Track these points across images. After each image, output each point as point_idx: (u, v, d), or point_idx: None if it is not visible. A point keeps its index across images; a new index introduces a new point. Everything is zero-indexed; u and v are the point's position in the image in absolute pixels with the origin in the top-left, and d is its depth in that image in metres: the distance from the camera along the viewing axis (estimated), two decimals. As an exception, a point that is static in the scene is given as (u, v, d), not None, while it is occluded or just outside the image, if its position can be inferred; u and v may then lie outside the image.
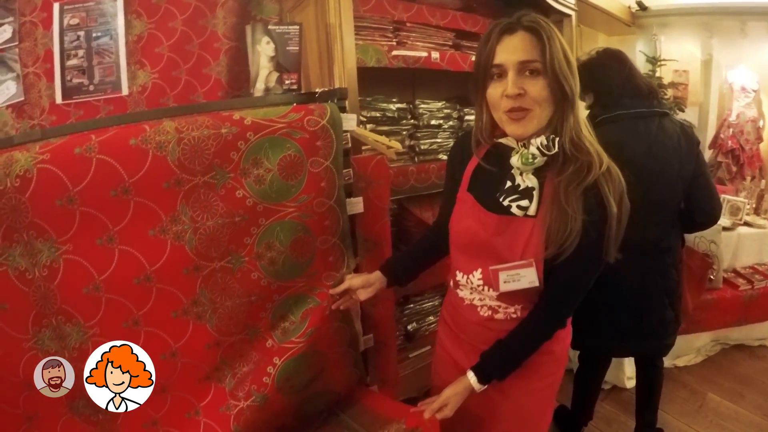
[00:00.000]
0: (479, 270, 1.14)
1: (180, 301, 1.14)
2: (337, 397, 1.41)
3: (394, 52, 1.78)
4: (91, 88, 1.69)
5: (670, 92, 3.65)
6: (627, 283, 1.74)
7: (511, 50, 1.00)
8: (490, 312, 1.17)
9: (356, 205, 1.34)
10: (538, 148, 1.03)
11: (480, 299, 1.18)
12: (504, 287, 1.09)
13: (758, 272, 2.90)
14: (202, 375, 1.21)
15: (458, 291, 1.23)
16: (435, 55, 1.90)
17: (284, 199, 1.18)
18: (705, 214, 1.76)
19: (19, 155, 1.03)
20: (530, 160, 1.04)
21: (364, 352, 1.47)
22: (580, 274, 1.09)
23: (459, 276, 1.20)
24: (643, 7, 3.73)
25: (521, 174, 1.07)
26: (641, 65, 3.73)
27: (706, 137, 4.12)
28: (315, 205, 1.21)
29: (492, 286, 1.12)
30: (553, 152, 1.03)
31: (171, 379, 1.19)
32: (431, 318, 2.22)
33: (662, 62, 3.70)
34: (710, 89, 4.08)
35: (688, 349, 2.80)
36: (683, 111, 3.71)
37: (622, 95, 1.72)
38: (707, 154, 4.14)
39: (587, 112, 1.86)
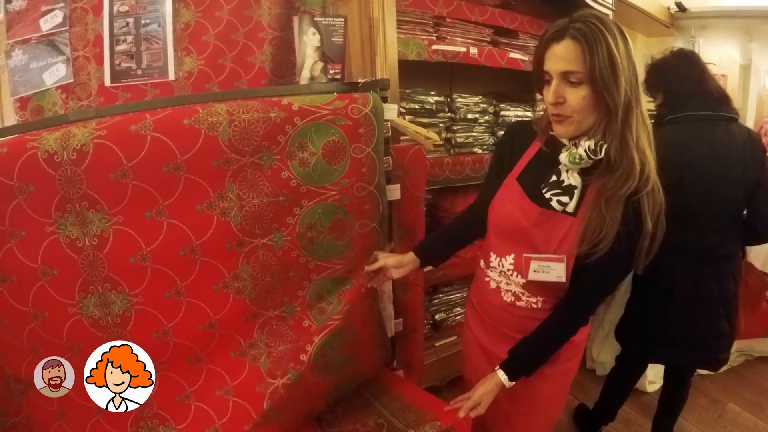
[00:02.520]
0: (512, 255, 1.19)
1: (222, 274, 1.20)
2: (365, 379, 1.45)
3: (434, 47, 1.83)
4: (139, 72, 1.75)
5: (706, 96, 3.58)
6: (681, 288, 1.72)
7: (555, 59, 1.02)
8: (512, 298, 1.22)
9: (394, 191, 1.38)
10: (585, 151, 1.05)
11: (506, 283, 1.22)
12: (532, 276, 1.14)
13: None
14: (238, 350, 1.27)
15: (488, 271, 1.28)
16: (473, 50, 1.94)
17: (327, 182, 1.22)
18: (766, 223, 1.71)
19: (77, 130, 1.09)
20: (577, 160, 1.06)
21: (392, 337, 1.51)
22: (607, 278, 1.14)
23: (492, 258, 1.25)
24: (682, 8, 3.67)
25: (567, 171, 1.10)
26: (678, 68, 3.68)
27: (743, 145, 4.03)
28: (356, 189, 1.26)
29: (521, 273, 1.17)
30: (599, 158, 1.04)
31: (207, 351, 1.24)
32: (459, 309, 2.26)
33: (700, 66, 3.64)
34: (748, 95, 3.99)
35: (711, 358, 2.77)
36: (719, 116, 3.63)
37: (691, 97, 1.69)
38: (741, 162, 4.05)
39: (649, 111, 1.85)
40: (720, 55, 3.90)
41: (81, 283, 1.16)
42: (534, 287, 1.18)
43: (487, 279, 1.28)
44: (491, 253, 1.25)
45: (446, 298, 2.24)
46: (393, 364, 1.53)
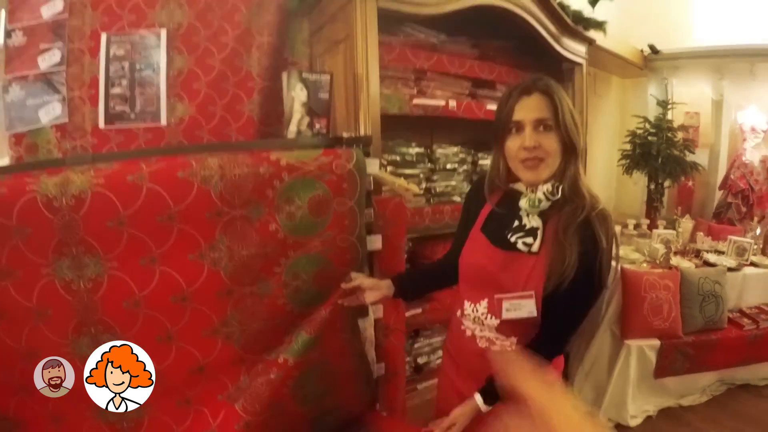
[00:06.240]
0: (485, 300, 1.26)
1: (211, 320, 1.25)
2: (349, 414, 1.48)
3: (415, 101, 1.91)
4: (133, 116, 1.81)
5: (680, 135, 3.72)
6: None
7: (528, 109, 1.16)
8: (487, 343, 1.27)
9: (375, 242, 1.43)
10: (544, 194, 1.18)
11: (480, 330, 1.28)
12: (506, 315, 1.21)
13: (764, 312, 2.92)
14: (225, 393, 1.30)
15: (463, 320, 1.33)
16: (452, 103, 2.03)
17: (311, 234, 1.28)
18: None
19: (75, 177, 1.14)
20: (536, 204, 1.18)
21: (375, 381, 1.54)
22: (577, 303, 1.20)
23: (466, 305, 1.31)
24: (654, 51, 3.84)
25: (528, 215, 1.21)
26: (652, 109, 3.82)
27: (717, 178, 4.17)
28: (338, 240, 1.32)
29: (495, 314, 1.24)
30: (557, 197, 1.17)
31: (195, 392, 1.28)
32: (440, 352, 2.23)
33: (672, 105, 3.78)
34: (721, 130, 4.16)
35: (693, 389, 2.82)
36: (693, 153, 3.76)
37: None
38: (717, 195, 4.20)
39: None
40: (692, 94, 4.07)
41: (75, 324, 1.19)
42: (507, 328, 1.24)
43: (463, 327, 1.33)
44: (465, 302, 1.32)
45: (427, 342, 2.27)
46: (376, 407, 1.57)
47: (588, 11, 2.55)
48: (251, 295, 1.27)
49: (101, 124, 1.81)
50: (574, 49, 2.43)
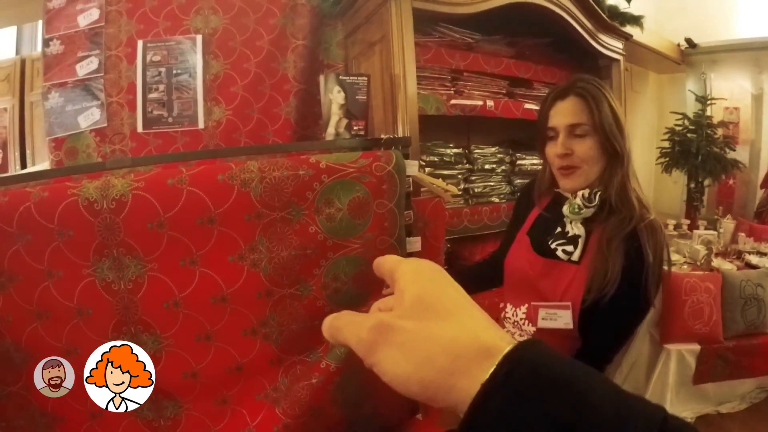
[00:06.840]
0: (525, 305, 1.24)
1: (250, 321, 1.26)
2: (388, 420, 1.47)
3: (453, 101, 1.90)
4: (170, 120, 1.84)
5: (719, 131, 3.59)
6: None
7: (562, 114, 1.13)
8: None
9: (414, 244, 1.41)
10: (581, 200, 1.14)
11: (519, 335, 1.26)
12: (541, 323, 1.19)
13: (809, 317, 2.77)
14: (262, 393, 1.31)
15: (504, 323, 1.32)
16: (490, 103, 2.01)
17: (351, 236, 1.28)
18: None
19: (116, 181, 1.16)
20: (576, 210, 1.14)
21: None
22: (618, 320, 1.15)
23: (508, 308, 1.30)
24: (692, 44, 3.73)
25: (571, 222, 1.17)
26: (691, 104, 3.71)
27: (758, 176, 4.02)
28: (378, 242, 1.31)
29: (532, 321, 1.22)
30: (594, 204, 1.12)
31: (232, 392, 1.29)
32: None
33: (712, 101, 3.67)
34: (762, 126, 4.02)
35: (731, 396, 2.73)
36: (734, 150, 3.63)
37: None
38: (758, 194, 4.05)
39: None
40: (732, 88, 3.95)
41: (114, 324, 1.21)
42: (544, 337, 1.19)
43: (506, 330, 1.32)
44: (507, 304, 1.31)
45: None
46: (417, 415, 1.55)
47: (623, 6, 2.49)
48: (291, 296, 1.27)
49: (139, 128, 1.85)
50: (610, 45, 2.38)
